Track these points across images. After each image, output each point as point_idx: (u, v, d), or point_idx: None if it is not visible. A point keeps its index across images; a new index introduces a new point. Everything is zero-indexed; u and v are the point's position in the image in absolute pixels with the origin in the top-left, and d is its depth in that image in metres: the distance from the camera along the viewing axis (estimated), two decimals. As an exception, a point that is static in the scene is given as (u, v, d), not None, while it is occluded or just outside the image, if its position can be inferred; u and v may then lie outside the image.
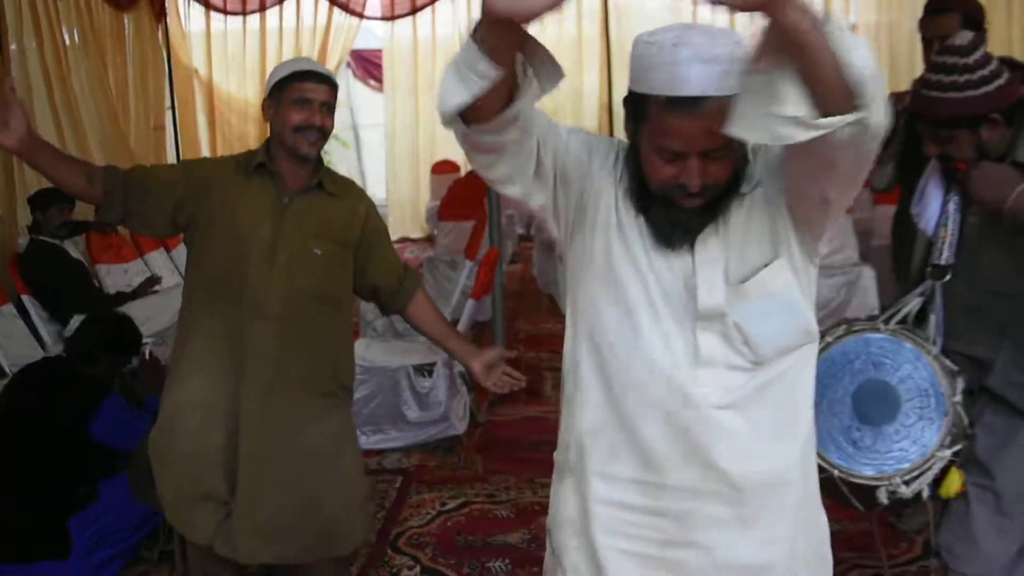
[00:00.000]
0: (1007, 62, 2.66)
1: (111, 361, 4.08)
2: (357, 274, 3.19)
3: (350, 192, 3.21)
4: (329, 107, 2.99)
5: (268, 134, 3.07)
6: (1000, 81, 2.56)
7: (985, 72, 2.55)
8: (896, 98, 3.42)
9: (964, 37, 2.59)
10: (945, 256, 2.72)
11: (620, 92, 13.09)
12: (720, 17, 11.65)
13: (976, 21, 3.60)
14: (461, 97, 1.63)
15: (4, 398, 3.98)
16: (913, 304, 2.75)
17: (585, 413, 1.97)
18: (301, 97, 2.93)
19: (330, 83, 3.01)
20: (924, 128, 2.69)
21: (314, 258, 3.03)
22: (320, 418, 3.08)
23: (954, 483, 2.56)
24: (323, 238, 3.05)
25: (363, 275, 3.21)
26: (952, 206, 2.74)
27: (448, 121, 1.69)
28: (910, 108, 2.80)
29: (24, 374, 4.17)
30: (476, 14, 1.60)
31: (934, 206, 2.80)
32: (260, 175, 3.03)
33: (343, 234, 3.12)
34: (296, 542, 3.05)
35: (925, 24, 3.73)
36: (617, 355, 1.91)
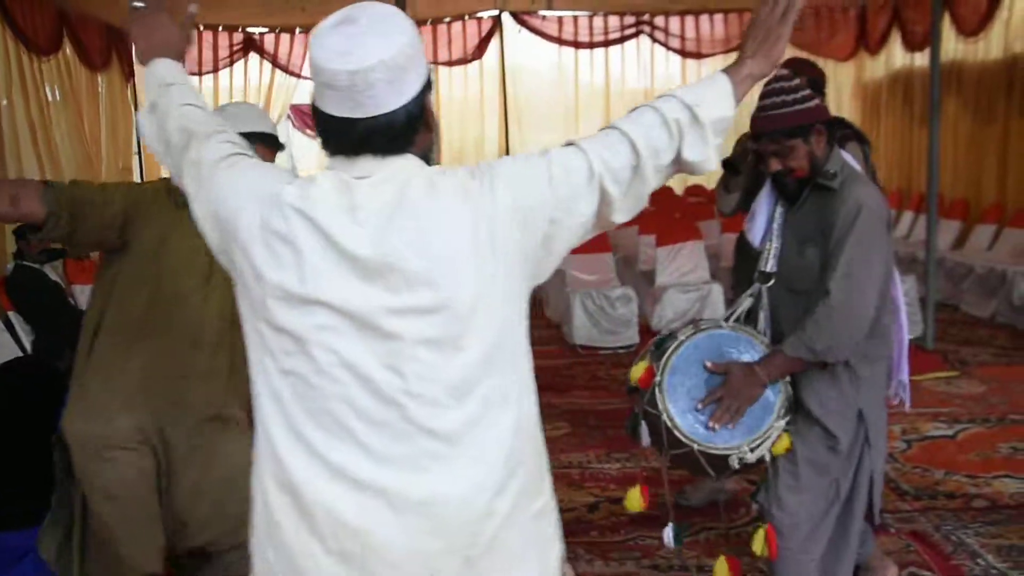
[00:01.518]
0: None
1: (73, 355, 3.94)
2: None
3: None
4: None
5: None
6: (817, 101, 2.66)
7: (805, 92, 2.64)
8: (744, 137, 3.39)
9: (783, 71, 2.63)
10: (770, 265, 2.74)
11: (514, 138, 12.90)
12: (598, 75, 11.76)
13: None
14: None
15: None
16: (745, 305, 2.78)
17: None
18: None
19: (278, 145, 2.67)
20: (766, 147, 2.66)
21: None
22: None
23: (783, 443, 2.60)
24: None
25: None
26: (776, 224, 2.77)
27: None
28: (753, 136, 2.71)
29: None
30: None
31: (761, 222, 2.82)
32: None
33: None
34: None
35: None
36: None
